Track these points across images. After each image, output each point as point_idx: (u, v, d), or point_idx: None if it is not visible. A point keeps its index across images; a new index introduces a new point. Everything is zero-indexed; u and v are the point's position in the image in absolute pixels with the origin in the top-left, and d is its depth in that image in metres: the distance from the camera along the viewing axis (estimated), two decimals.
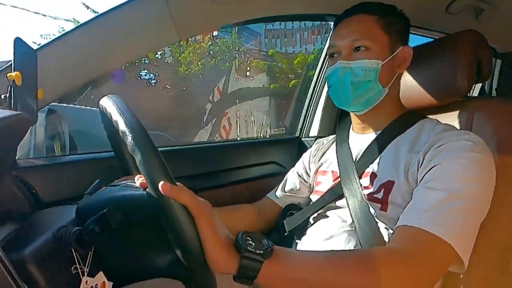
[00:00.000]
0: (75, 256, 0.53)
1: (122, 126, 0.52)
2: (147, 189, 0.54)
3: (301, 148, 1.45)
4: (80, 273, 0.53)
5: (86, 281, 0.53)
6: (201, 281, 0.52)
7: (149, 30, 1.01)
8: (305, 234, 0.90)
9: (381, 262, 0.58)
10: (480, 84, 1.75)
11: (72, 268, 0.53)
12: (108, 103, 0.58)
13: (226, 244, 0.52)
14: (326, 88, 1.47)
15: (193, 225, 0.50)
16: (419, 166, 0.74)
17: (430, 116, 0.89)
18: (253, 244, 0.52)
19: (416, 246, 0.61)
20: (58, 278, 0.53)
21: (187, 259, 0.51)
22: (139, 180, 0.58)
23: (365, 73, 0.82)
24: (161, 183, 0.48)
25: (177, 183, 0.51)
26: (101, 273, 0.55)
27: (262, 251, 0.52)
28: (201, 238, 0.50)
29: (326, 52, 1.45)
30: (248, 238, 0.53)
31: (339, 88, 0.85)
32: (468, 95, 0.95)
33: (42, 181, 0.92)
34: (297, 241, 0.91)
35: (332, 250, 0.63)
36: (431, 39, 1.08)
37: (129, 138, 0.51)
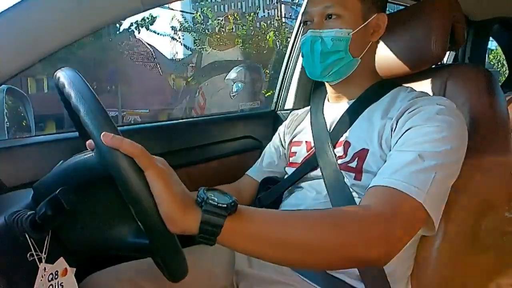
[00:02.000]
0: (29, 242, 0.49)
1: (67, 89, 0.49)
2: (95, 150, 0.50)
3: (277, 121, 1.42)
4: (37, 260, 0.49)
5: (44, 268, 0.49)
6: (163, 246, 0.48)
7: (111, 1, 0.95)
8: (280, 207, 0.89)
9: (351, 219, 0.57)
10: (454, 53, 1.77)
11: (28, 255, 0.49)
12: (61, 76, 0.54)
13: (183, 199, 0.48)
14: (300, 59, 1.44)
15: (142, 179, 0.45)
16: (392, 132, 0.73)
17: (405, 84, 0.88)
18: (216, 198, 0.49)
19: (386, 204, 0.60)
20: (13, 267, 0.49)
21: (141, 220, 0.47)
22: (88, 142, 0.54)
23: (335, 42, 0.80)
24: (102, 134, 0.44)
25: (135, 143, 0.47)
26: (61, 259, 0.52)
27: (225, 205, 0.48)
28: (153, 193, 0.46)
29: (301, 20, 1.41)
30: (211, 193, 0.49)
31: (310, 58, 0.83)
32: (442, 62, 0.94)
33: (3, 165, 0.87)
34: None
35: (302, 210, 0.61)
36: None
37: (72, 98, 0.47)
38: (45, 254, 0.50)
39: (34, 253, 0.49)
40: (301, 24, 1.18)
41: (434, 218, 0.63)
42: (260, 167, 1.05)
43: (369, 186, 0.66)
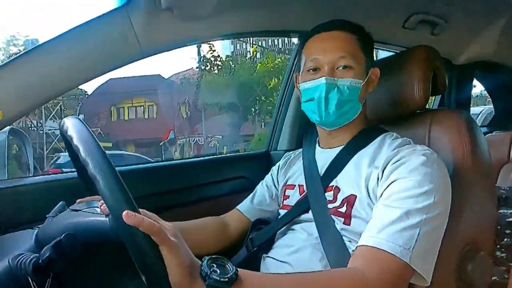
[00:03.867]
0: (32, 285, 0.51)
1: (83, 152, 0.51)
2: (109, 217, 0.53)
3: (270, 162, 1.45)
4: None
5: None
6: None
7: (112, 47, 1.00)
8: (272, 248, 0.90)
9: (344, 284, 0.61)
10: (440, 96, 1.83)
11: None
12: (69, 126, 0.57)
13: (191, 271, 0.52)
14: (293, 101, 1.48)
15: (157, 253, 0.49)
16: (378, 181, 0.76)
17: (391, 128, 0.92)
18: (218, 271, 0.52)
19: (375, 267, 0.64)
20: None
21: (152, 286, 0.50)
22: (102, 205, 0.57)
23: (351, 91, 0.84)
24: (124, 213, 0.47)
25: (140, 209, 0.50)
26: None
27: (227, 278, 0.52)
28: (166, 265, 0.50)
29: (294, 65, 1.46)
30: (213, 264, 0.53)
31: (323, 105, 0.84)
32: (429, 106, 0.99)
33: (3, 204, 0.89)
34: (264, 255, 0.91)
35: (296, 273, 0.64)
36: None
37: (89, 165, 0.50)
38: None
39: None
40: (295, 65, 1.21)
41: (422, 273, 0.66)
42: (250, 204, 1.06)
43: (358, 244, 0.69)
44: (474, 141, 0.88)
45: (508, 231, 1.21)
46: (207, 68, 13.00)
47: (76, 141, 0.53)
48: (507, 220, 1.22)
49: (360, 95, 0.85)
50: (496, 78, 2.09)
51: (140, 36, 1.00)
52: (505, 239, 1.21)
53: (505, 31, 1.58)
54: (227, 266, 0.54)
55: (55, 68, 0.95)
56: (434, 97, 1.82)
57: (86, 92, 14.43)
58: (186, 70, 14.94)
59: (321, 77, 0.84)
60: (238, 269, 0.54)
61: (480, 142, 0.89)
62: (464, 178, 0.83)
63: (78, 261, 0.52)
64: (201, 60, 13.06)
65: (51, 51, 0.93)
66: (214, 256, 0.54)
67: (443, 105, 1.84)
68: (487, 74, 2.10)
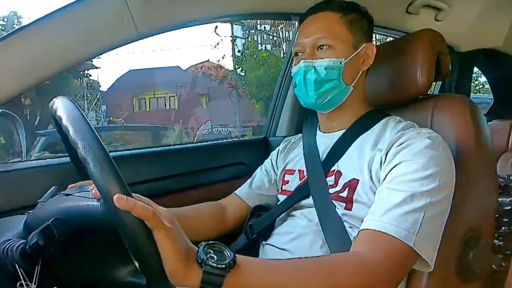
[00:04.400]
0: (19, 272, 0.49)
1: (72, 133, 0.49)
2: (101, 201, 0.51)
3: (269, 148, 1.43)
4: None
5: None
6: None
7: (107, 28, 0.97)
8: (272, 235, 0.89)
9: (346, 269, 0.59)
10: (440, 82, 1.82)
11: (18, 285, 0.49)
12: (58, 106, 0.54)
13: (187, 257, 0.49)
14: (291, 88, 1.46)
15: (150, 239, 0.47)
16: (382, 165, 0.74)
17: (393, 113, 0.90)
18: (215, 257, 0.50)
19: (378, 251, 0.62)
20: None
21: (146, 273, 0.48)
22: (93, 190, 0.54)
23: (328, 71, 0.82)
24: (115, 196, 0.45)
25: (133, 194, 0.48)
26: None
27: (224, 265, 0.49)
28: (160, 251, 0.48)
29: (291, 51, 1.45)
30: (210, 250, 0.51)
31: (303, 87, 0.85)
32: (429, 92, 0.97)
33: None
34: (263, 242, 0.90)
35: (296, 258, 0.62)
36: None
37: (79, 147, 0.47)
38: (35, 284, 0.49)
39: (24, 283, 0.49)
40: (292, 55, 1.20)
41: (426, 258, 0.64)
42: (249, 189, 1.05)
43: (361, 227, 0.67)
44: (478, 127, 0.86)
45: (506, 219, 1.21)
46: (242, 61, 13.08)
47: (65, 121, 0.50)
48: (505, 208, 1.22)
49: (344, 74, 0.83)
50: (497, 67, 2.08)
51: (136, 17, 0.96)
52: (503, 227, 1.21)
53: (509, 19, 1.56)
54: (224, 252, 0.52)
55: (47, 48, 0.92)
56: (434, 83, 1.80)
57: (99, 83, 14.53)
58: (203, 62, 15.09)
59: (301, 60, 0.85)
60: (236, 255, 0.52)
61: (484, 128, 0.87)
62: (467, 164, 0.82)
63: (69, 247, 0.50)
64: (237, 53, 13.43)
65: (43, 31, 0.90)
66: (211, 242, 0.52)
67: (444, 92, 1.83)
68: (488, 62, 2.08)
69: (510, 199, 1.22)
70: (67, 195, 0.61)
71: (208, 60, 15.05)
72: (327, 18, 0.85)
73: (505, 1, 1.48)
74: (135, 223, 0.46)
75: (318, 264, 0.60)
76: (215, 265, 0.49)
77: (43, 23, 0.89)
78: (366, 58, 0.87)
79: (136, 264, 0.50)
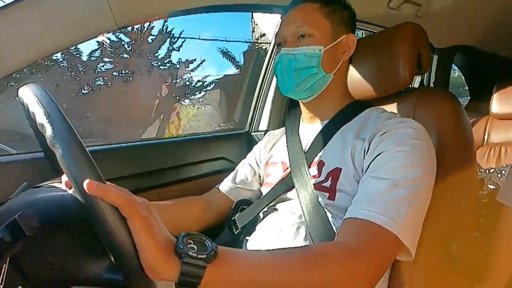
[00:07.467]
0: None
1: (39, 117, 0.45)
2: (73, 189, 0.48)
3: (251, 142, 1.42)
4: None
5: None
6: None
7: (84, 16, 0.93)
8: (255, 229, 0.88)
9: (331, 258, 0.57)
10: (420, 77, 1.85)
11: None
12: (26, 93, 0.50)
13: (165, 248, 0.46)
14: (274, 81, 1.46)
15: (125, 228, 0.44)
16: (365, 154, 0.74)
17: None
18: (195, 247, 0.47)
19: (363, 239, 0.61)
20: None
21: (122, 267, 0.45)
22: (64, 178, 0.51)
23: (307, 59, 0.82)
24: (86, 181, 0.42)
25: (108, 183, 0.45)
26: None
27: (204, 255, 0.47)
28: (136, 242, 0.45)
29: (274, 43, 1.44)
30: (190, 241, 0.48)
31: (283, 75, 0.85)
32: (410, 86, 0.98)
33: None
34: (247, 237, 0.89)
35: (279, 249, 0.60)
36: None
37: (47, 131, 0.44)
38: (1, 283, 0.46)
39: None
40: (275, 46, 1.20)
41: (410, 247, 0.64)
42: (232, 183, 1.03)
43: (345, 217, 0.66)
44: (459, 120, 0.87)
45: (483, 212, 1.24)
46: None
47: (33, 107, 0.47)
48: (483, 201, 1.24)
49: (323, 62, 0.83)
50: (474, 64, 2.13)
51: (113, 5, 0.93)
52: (481, 220, 1.23)
53: (490, 19, 1.59)
54: (205, 242, 0.49)
55: (18, 37, 0.87)
56: (415, 78, 1.84)
57: None
58: None
59: (282, 49, 0.85)
60: (218, 246, 0.50)
61: (465, 121, 0.89)
62: (448, 156, 0.82)
63: (38, 242, 0.47)
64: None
65: (13, 17, 0.84)
66: (191, 232, 0.50)
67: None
68: (465, 58, 2.13)
69: (487, 191, 1.24)
70: (37, 187, 0.58)
71: None
72: (307, 8, 0.86)
73: (483, 0, 1.51)
74: (108, 211, 0.43)
75: (301, 255, 0.58)
76: (196, 255, 0.46)
77: (11, 10, 0.84)
78: (347, 49, 0.87)
79: (112, 258, 0.47)
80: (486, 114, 1.76)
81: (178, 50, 7.00)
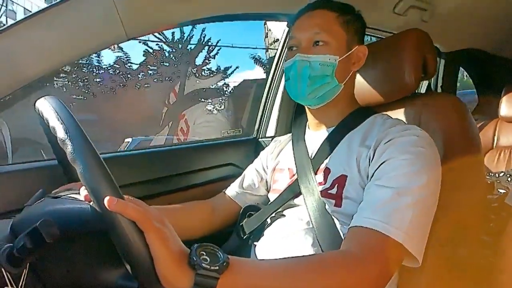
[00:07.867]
0: (6, 276, 0.47)
1: (60, 134, 0.47)
2: (91, 203, 0.50)
3: (258, 148, 1.42)
4: None
5: None
6: None
7: (95, 28, 0.95)
8: (263, 235, 0.89)
9: (337, 266, 0.59)
10: (427, 82, 1.85)
11: None
12: (45, 106, 0.53)
13: (179, 259, 0.49)
14: (281, 87, 1.47)
15: (142, 241, 0.46)
16: (370, 161, 0.75)
17: (381, 112, 0.90)
18: (208, 259, 0.49)
19: (368, 248, 0.63)
20: None
21: (138, 276, 0.47)
22: (83, 192, 0.53)
23: (323, 67, 0.82)
24: (106, 198, 0.44)
25: (124, 196, 0.47)
26: None
27: (217, 267, 0.49)
28: (152, 254, 0.47)
29: (283, 47, 1.44)
30: (203, 252, 0.50)
31: (296, 81, 0.85)
32: (416, 91, 0.98)
33: None
34: (255, 243, 0.90)
35: (287, 258, 0.62)
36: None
37: (68, 148, 0.46)
38: None
39: None
40: (284, 50, 1.20)
41: (416, 255, 0.65)
42: (239, 189, 1.04)
43: (351, 225, 0.68)
44: (465, 125, 0.88)
45: (493, 216, 1.23)
46: None
47: (53, 122, 0.49)
48: (493, 205, 1.24)
49: (337, 71, 0.84)
50: (482, 67, 2.11)
51: (123, 17, 0.95)
52: (491, 224, 1.23)
53: (496, 21, 1.59)
54: (217, 253, 0.51)
55: (31, 49, 0.90)
56: (422, 83, 1.83)
57: None
58: None
59: (296, 54, 0.85)
60: (229, 257, 0.52)
61: (471, 126, 0.89)
62: (455, 161, 0.83)
63: (57, 250, 0.49)
64: None
65: (28, 31, 0.87)
66: (203, 244, 0.52)
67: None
68: (473, 62, 2.12)
69: (497, 196, 1.23)
70: (55, 197, 0.60)
71: None
72: (325, 15, 0.86)
73: (488, 3, 1.51)
74: (127, 225, 0.45)
75: (309, 264, 0.60)
76: (208, 267, 0.48)
77: (27, 24, 0.87)
78: (357, 60, 0.88)
79: (128, 267, 0.49)
80: (495, 117, 1.75)
81: (214, 58, 7.38)
